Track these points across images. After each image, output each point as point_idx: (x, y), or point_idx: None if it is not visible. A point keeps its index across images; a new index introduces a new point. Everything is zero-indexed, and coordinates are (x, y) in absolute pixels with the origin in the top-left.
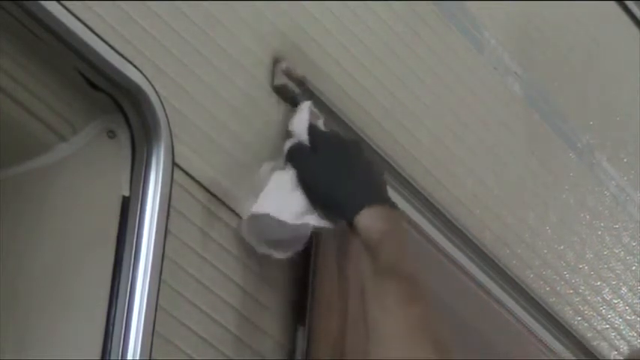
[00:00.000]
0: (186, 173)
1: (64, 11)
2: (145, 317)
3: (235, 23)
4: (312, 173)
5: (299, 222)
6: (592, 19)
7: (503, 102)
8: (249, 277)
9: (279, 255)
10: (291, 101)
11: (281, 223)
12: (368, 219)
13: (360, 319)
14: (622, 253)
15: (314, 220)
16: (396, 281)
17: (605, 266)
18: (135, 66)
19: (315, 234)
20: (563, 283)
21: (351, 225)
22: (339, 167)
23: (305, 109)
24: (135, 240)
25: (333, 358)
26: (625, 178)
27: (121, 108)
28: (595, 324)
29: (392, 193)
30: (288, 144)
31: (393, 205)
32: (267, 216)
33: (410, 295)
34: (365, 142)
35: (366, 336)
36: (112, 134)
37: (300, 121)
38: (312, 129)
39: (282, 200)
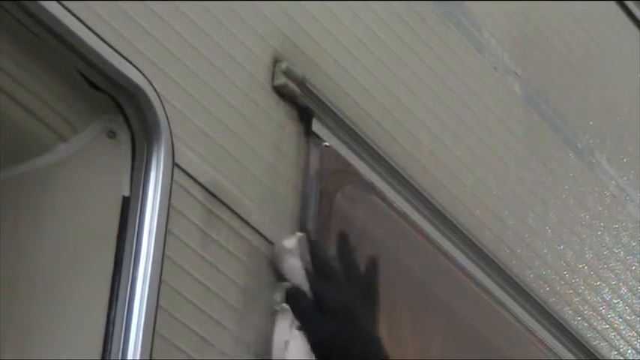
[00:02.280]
0: (186, 173)
1: (64, 11)
2: (145, 317)
3: (235, 23)
4: (323, 337)
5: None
6: (592, 19)
7: (503, 102)
8: (249, 277)
9: None
10: (291, 101)
11: None
12: None
13: None
14: (622, 253)
15: None
16: None
17: (605, 266)
18: (135, 66)
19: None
20: (563, 283)
21: None
22: (350, 327)
23: (295, 251)
24: (135, 240)
25: None
26: (625, 178)
27: (121, 108)
28: (595, 324)
29: (392, 193)
30: (284, 287)
31: None
32: None
33: None
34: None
35: None
36: (112, 134)
37: (294, 268)
38: (314, 282)
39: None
